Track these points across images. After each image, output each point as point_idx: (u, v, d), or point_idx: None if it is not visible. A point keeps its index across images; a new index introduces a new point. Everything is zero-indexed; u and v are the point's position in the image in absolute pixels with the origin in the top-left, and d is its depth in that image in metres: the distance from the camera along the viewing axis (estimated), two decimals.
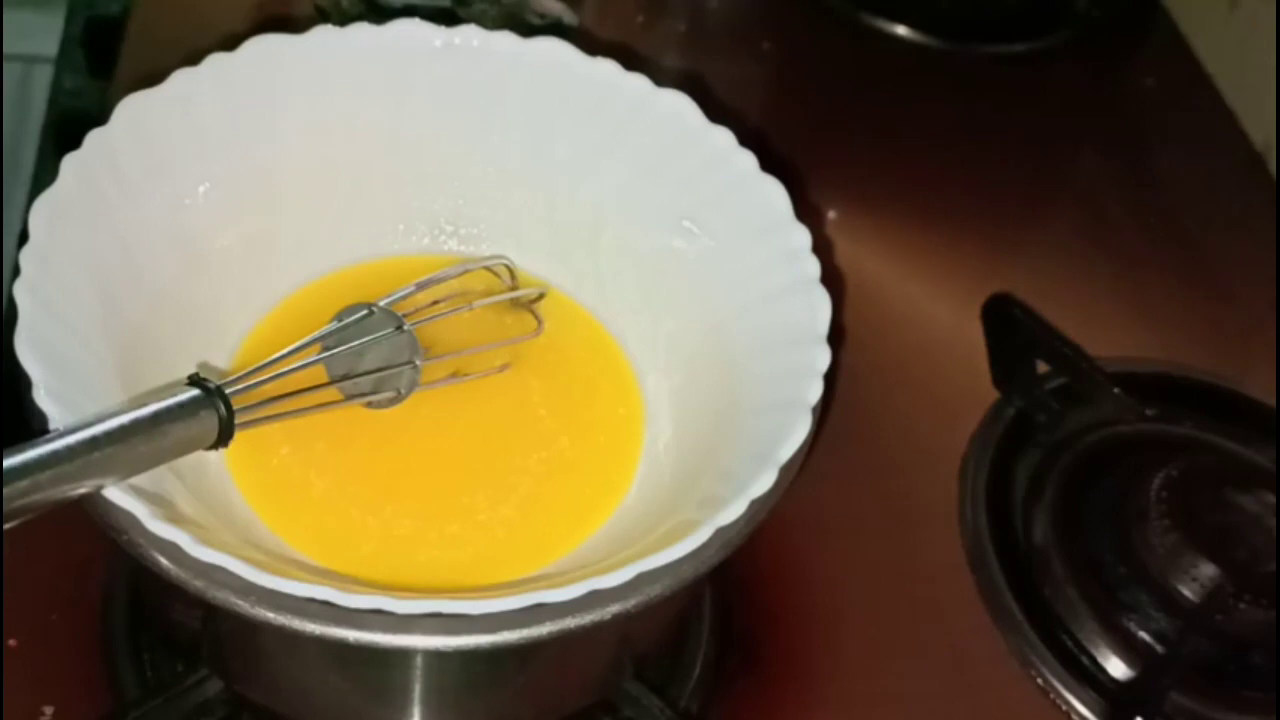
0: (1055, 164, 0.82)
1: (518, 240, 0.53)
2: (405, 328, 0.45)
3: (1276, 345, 0.69)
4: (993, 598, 0.57)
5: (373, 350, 0.45)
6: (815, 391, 0.43)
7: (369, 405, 0.46)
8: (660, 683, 0.50)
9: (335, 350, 0.45)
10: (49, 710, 0.48)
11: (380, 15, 0.51)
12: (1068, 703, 0.54)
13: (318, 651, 0.41)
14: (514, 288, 0.51)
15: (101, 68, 0.74)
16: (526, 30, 0.52)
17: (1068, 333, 0.66)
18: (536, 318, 0.51)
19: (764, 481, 0.40)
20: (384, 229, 0.53)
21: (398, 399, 0.46)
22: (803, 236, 0.47)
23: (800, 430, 0.41)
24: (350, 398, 0.46)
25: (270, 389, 0.42)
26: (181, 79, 0.48)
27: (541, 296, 0.51)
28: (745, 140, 0.49)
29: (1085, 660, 0.55)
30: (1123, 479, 0.60)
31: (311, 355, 0.44)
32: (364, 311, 0.45)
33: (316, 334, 0.45)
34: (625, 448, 0.49)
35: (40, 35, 0.84)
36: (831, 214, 0.74)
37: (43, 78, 0.83)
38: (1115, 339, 0.68)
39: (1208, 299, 0.74)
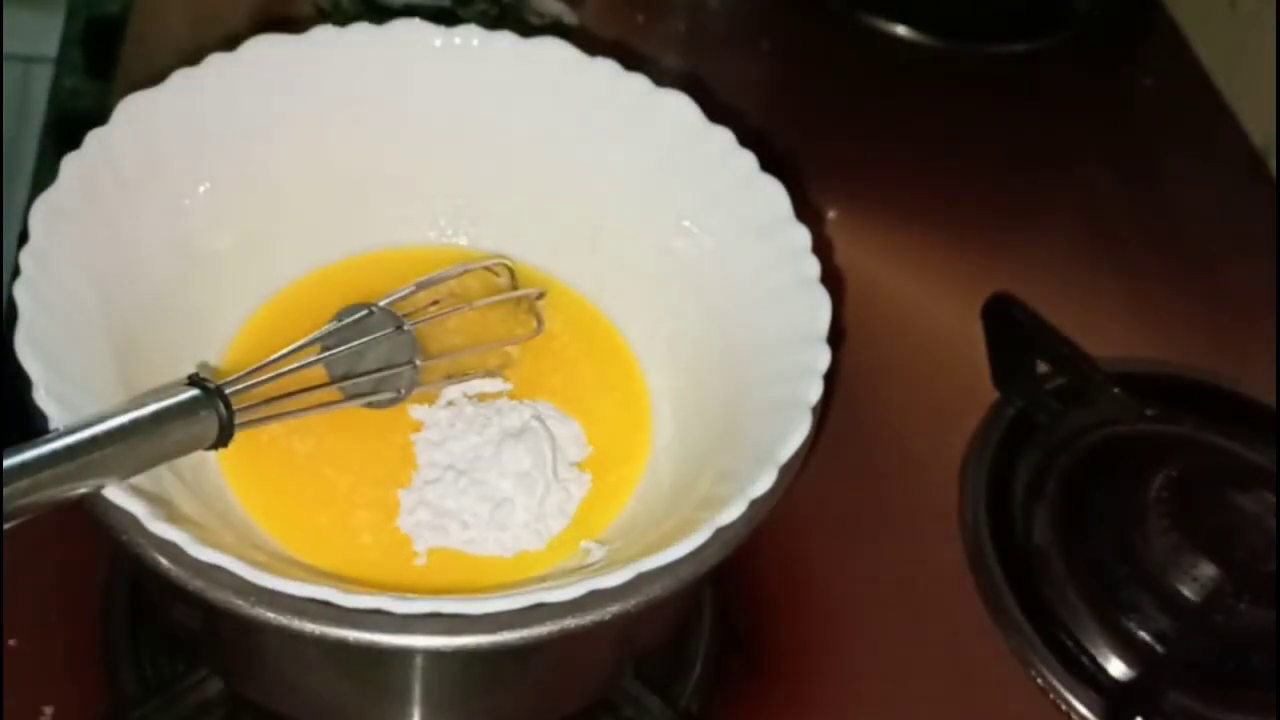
0: (1055, 164, 0.82)
1: (518, 239, 0.53)
2: (405, 328, 0.45)
3: (1276, 345, 0.69)
4: (993, 598, 0.57)
5: (373, 350, 0.45)
6: (815, 391, 0.43)
7: (369, 405, 0.46)
8: (660, 683, 0.50)
9: (335, 350, 0.45)
10: (49, 710, 0.48)
11: (380, 15, 0.51)
12: (1068, 703, 0.54)
13: (317, 651, 0.41)
14: (514, 288, 0.51)
15: (101, 68, 0.74)
16: (526, 30, 0.52)
17: (1068, 333, 0.66)
18: (537, 318, 0.51)
19: (764, 482, 0.40)
20: (384, 229, 0.53)
21: (398, 399, 0.46)
22: (803, 236, 0.47)
23: (800, 430, 0.41)
24: (350, 398, 0.46)
25: (270, 389, 0.42)
26: (181, 79, 0.48)
27: (542, 296, 0.51)
28: (745, 140, 0.49)
29: (1085, 660, 0.55)
30: (1123, 479, 0.60)
31: (312, 355, 0.44)
32: (364, 311, 0.45)
33: (316, 334, 0.45)
34: (633, 449, 0.49)
35: (40, 35, 0.84)
36: (831, 214, 0.74)
37: (43, 78, 0.83)
38: (1115, 339, 0.68)
39: (1208, 299, 0.74)
